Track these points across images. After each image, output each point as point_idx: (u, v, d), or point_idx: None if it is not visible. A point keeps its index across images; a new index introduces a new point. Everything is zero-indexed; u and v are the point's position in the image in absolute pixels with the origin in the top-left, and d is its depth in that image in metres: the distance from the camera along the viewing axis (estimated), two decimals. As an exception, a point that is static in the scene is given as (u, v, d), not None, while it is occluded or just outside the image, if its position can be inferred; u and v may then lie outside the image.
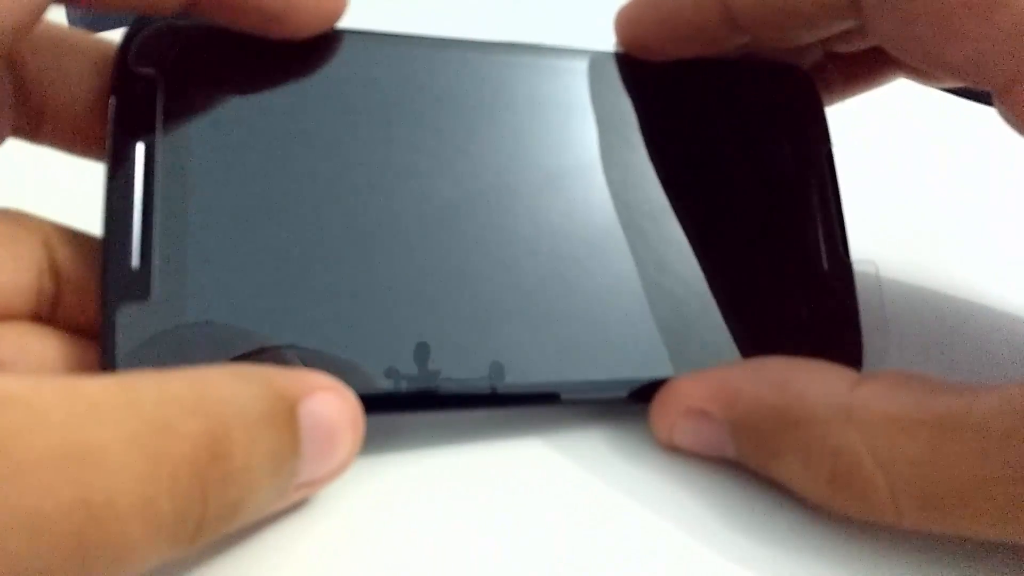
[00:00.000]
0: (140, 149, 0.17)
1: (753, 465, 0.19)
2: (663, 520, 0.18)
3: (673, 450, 0.19)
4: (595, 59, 0.21)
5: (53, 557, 0.12)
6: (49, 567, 0.12)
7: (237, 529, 0.15)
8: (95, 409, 0.12)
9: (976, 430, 0.16)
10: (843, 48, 0.23)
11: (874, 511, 0.17)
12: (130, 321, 0.16)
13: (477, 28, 0.22)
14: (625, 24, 0.22)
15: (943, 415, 0.16)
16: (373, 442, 0.17)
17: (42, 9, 0.15)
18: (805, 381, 0.18)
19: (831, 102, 0.25)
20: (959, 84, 0.20)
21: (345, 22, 0.19)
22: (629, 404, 0.19)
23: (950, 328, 0.24)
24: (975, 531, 0.16)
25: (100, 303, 0.16)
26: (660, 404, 0.19)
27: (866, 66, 0.24)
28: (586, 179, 0.20)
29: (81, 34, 0.18)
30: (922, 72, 0.23)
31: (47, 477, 0.12)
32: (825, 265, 0.22)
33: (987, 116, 0.34)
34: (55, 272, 0.17)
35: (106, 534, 0.12)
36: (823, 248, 0.22)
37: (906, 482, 0.16)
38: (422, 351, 0.18)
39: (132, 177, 0.17)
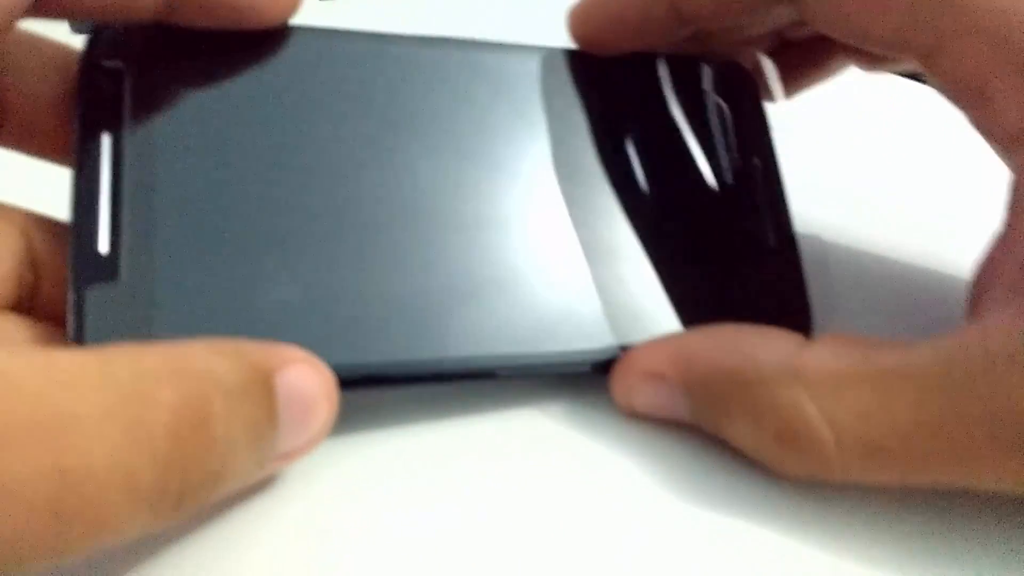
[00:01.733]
0: (107, 139, 0.17)
1: (706, 426, 0.19)
2: (624, 485, 0.19)
3: (632, 415, 0.20)
4: (549, 55, 0.22)
5: (29, 523, 0.12)
6: (24, 533, 0.12)
7: (218, 500, 0.15)
8: (71, 380, 0.12)
9: (914, 380, 0.16)
10: (796, 35, 0.24)
11: (821, 466, 0.17)
12: (99, 306, 0.16)
13: (446, 25, 0.22)
14: (577, 21, 0.23)
15: (883, 369, 0.17)
16: (343, 421, 0.18)
17: (15, 17, 0.16)
18: (755, 344, 0.19)
19: (791, 93, 0.26)
20: (893, 58, 0.21)
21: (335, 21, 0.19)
22: (594, 374, 0.20)
23: (891, 294, 0.25)
24: (918, 478, 0.17)
25: (69, 289, 0.16)
26: (620, 371, 0.20)
27: (815, 55, 0.25)
28: (545, 167, 0.21)
29: (43, 38, 0.18)
30: (862, 54, 0.24)
31: (22, 444, 0.11)
32: (772, 242, 0.23)
33: (920, 91, 0.36)
34: (34, 262, 0.18)
35: (84, 502, 0.12)
36: (769, 226, 0.23)
37: (852, 434, 0.17)
38: (385, 328, 0.18)
39: (99, 166, 0.17)
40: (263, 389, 0.15)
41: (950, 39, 0.18)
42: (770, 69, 0.24)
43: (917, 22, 0.18)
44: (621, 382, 0.20)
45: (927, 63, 0.19)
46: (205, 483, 0.14)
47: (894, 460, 0.17)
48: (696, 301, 0.21)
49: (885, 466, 0.17)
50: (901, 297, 0.25)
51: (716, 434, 0.19)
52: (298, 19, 0.20)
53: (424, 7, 0.38)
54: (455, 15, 0.37)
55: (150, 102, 0.18)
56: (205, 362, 0.14)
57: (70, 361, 0.13)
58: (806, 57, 0.26)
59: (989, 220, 0.20)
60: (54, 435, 0.12)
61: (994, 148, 0.19)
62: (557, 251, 0.21)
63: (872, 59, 0.24)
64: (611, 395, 0.20)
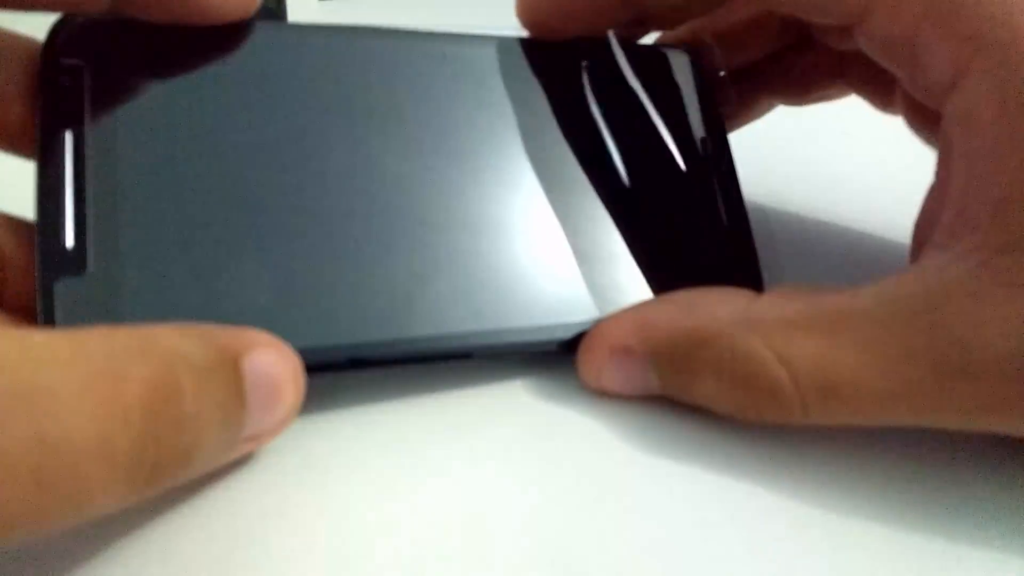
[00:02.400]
0: (69, 134, 0.18)
1: (675, 391, 0.20)
2: (597, 458, 0.19)
3: (602, 393, 0.20)
4: (506, 43, 0.23)
5: (11, 491, 0.12)
6: (8, 501, 0.12)
7: (190, 478, 0.16)
8: (45, 356, 0.13)
9: (858, 321, 0.17)
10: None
11: (783, 410, 0.18)
12: (66, 298, 0.17)
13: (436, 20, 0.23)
14: (525, 3, 0.23)
15: (831, 311, 0.18)
16: (310, 403, 0.18)
17: None
18: (711, 303, 0.19)
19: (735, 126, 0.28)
20: (829, 27, 0.22)
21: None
22: (560, 354, 0.21)
23: (835, 259, 0.27)
24: (874, 417, 0.18)
25: (37, 282, 0.17)
26: (586, 348, 0.20)
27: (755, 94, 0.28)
28: (504, 153, 0.22)
29: (9, 32, 0.19)
30: (791, 86, 0.27)
31: (3, 415, 0.12)
32: (724, 218, 0.24)
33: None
34: (0, 258, 0.18)
35: (64, 469, 0.12)
36: (721, 203, 0.24)
37: (807, 377, 0.17)
38: (349, 313, 0.19)
39: (62, 161, 0.17)
40: (230, 371, 0.16)
41: None
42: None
43: None
44: (589, 361, 0.20)
45: (859, 26, 0.20)
46: (178, 457, 0.14)
47: (848, 400, 0.17)
48: (654, 278, 0.22)
49: (841, 406, 0.17)
50: (845, 261, 0.26)
51: (684, 398, 0.20)
52: (298, 17, 0.20)
53: (415, 5, 0.39)
54: (444, 10, 0.37)
55: (111, 96, 0.18)
56: (174, 343, 0.15)
57: (44, 339, 0.13)
58: (749, 95, 0.28)
59: (928, 182, 0.21)
60: (33, 406, 0.12)
61: (928, 103, 0.20)
62: (518, 233, 0.21)
63: (801, 88, 0.27)
64: (578, 372, 0.21)
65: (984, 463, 0.19)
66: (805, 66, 0.27)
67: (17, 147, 0.19)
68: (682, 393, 0.20)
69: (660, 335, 0.20)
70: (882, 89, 0.26)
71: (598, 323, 0.21)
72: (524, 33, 0.24)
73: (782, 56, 0.27)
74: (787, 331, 0.18)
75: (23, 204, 0.19)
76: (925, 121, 0.24)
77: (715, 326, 0.19)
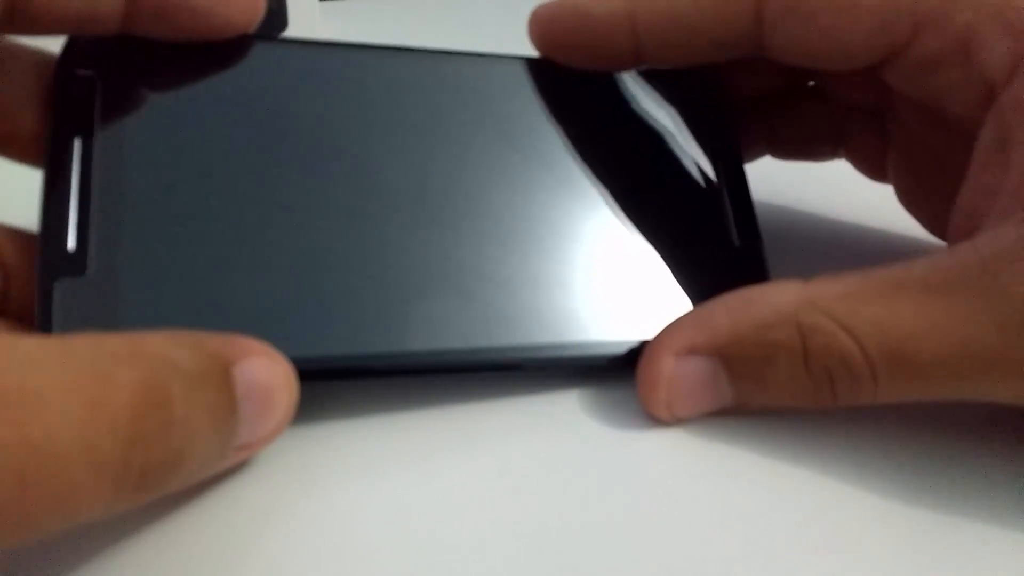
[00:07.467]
0: (77, 142, 0.18)
1: (749, 387, 0.20)
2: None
3: (673, 420, 0.20)
4: (522, 63, 0.23)
5: None
6: None
7: (182, 486, 0.16)
8: (32, 359, 0.13)
9: (916, 286, 0.18)
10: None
11: (856, 383, 0.18)
12: (65, 299, 0.17)
13: (439, 26, 0.23)
14: (540, 27, 0.23)
15: (886, 280, 0.18)
16: (305, 412, 0.18)
17: None
18: (764, 293, 0.19)
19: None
20: (863, 68, 0.22)
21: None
22: (577, 374, 0.21)
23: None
24: (936, 382, 0.18)
25: (37, 283, 0.17)
26: (648, 359, 0.20)
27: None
28: (518, 170, 0.22)
29: (24, 46, 0.19)
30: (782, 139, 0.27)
31: None
32: (738, 241, 0.24)
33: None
34: (3, 267, 0.18)
35: (48, 472, 0.12)
36: (735, 226, 0.24)
37: (872, 341, 0.18)
38: (346, 323, 0.19)
39: (69, 168, 0.18)
40: (221, 378, 0.16)
41: (935, 11, 0.20)
42: None
43: (897, 11, 0.20)
44: (651, 375, 0.20)
45: (898, 54, 0.21)
46: (166, 462, 0.14)
47: (914, 363, 0.17)
48: (670, 298, 0.22)
49: (908, 372, 0.18)
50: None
51: (759, 396, 0.19)
52: (298, 16, 0.20)
53: (418, 7, 0.39)
54: (449, 16, 0.38)
55: (120, 107, 0.19)
56: (163, 349, 0.15)
57: (32, 343, 0.13)
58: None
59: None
60: (17, 408, 0.12)
61: (970, 112, 0.21)
62: (522, 250, 0.21)
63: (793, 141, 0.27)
64: (642, 400, 0.20)
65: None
66: (797, 120, 0.27)
67: (25, 156, 0.19)
68: (757, 389, 0.19)
69: (724, 330, 0.19)
70: (875, 152, 0.26)
71: (652, 339, 0.20)
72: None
73: (776, 108, 0.27)
74: (847, 302, 0.18)
75: (26, 219, 0.19)
76: (914, 188, 0.25)
77: (777, 310, 0.19)
